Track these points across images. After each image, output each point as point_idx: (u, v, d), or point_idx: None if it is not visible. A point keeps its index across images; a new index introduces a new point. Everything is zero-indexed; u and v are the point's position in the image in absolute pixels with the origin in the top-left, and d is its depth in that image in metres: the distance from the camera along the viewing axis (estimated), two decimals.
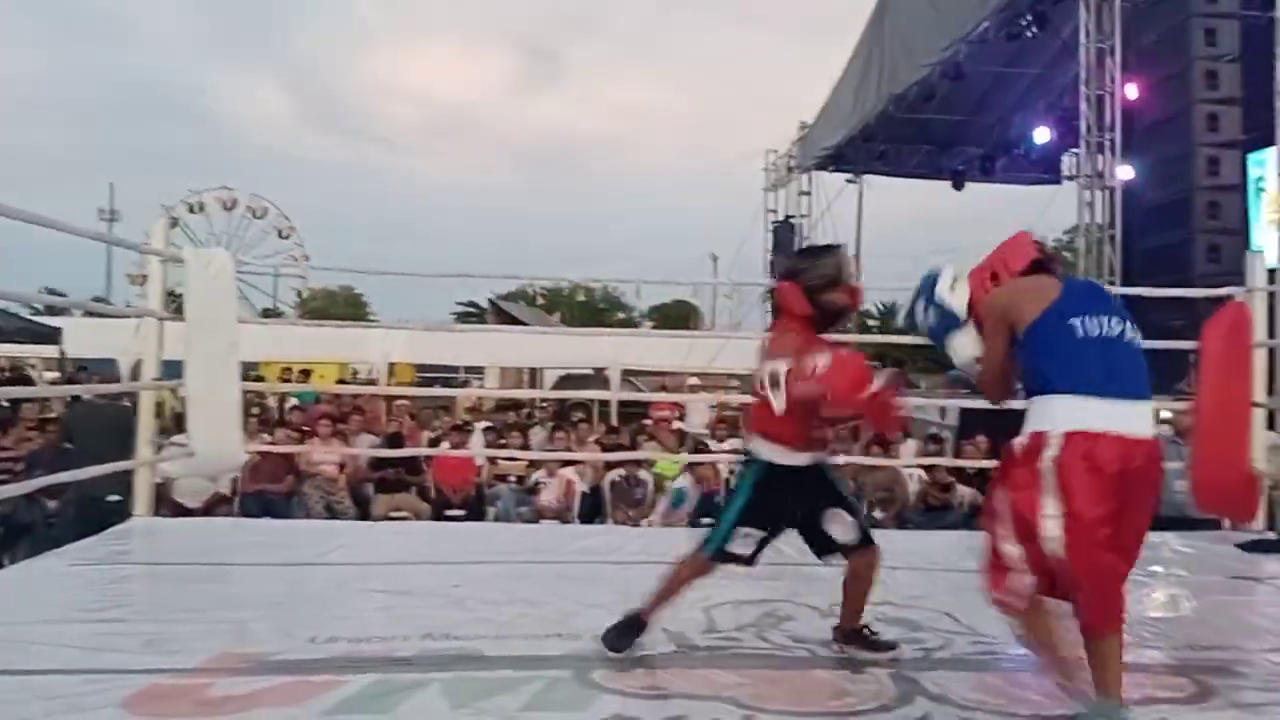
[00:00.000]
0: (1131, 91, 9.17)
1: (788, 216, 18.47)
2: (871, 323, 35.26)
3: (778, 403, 2.62)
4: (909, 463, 7.74)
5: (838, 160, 17.23)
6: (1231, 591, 3.91)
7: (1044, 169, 16.76)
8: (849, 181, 19.07)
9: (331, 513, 7.49)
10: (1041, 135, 15.32)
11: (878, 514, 7.83)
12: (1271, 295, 5.19)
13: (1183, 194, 7.72)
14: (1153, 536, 2.77)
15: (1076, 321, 2.36)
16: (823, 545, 2.91)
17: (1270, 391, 5.28)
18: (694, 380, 15.67)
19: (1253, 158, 9.86)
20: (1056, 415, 2.31)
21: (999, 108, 15.44)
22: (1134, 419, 2.31)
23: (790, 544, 4.58)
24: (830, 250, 2.93)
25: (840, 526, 2.85)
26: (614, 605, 3.35)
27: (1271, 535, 4.96)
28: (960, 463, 7.46)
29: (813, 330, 2.84)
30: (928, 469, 7.83)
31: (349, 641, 2.89)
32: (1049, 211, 16.38)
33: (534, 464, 8.02)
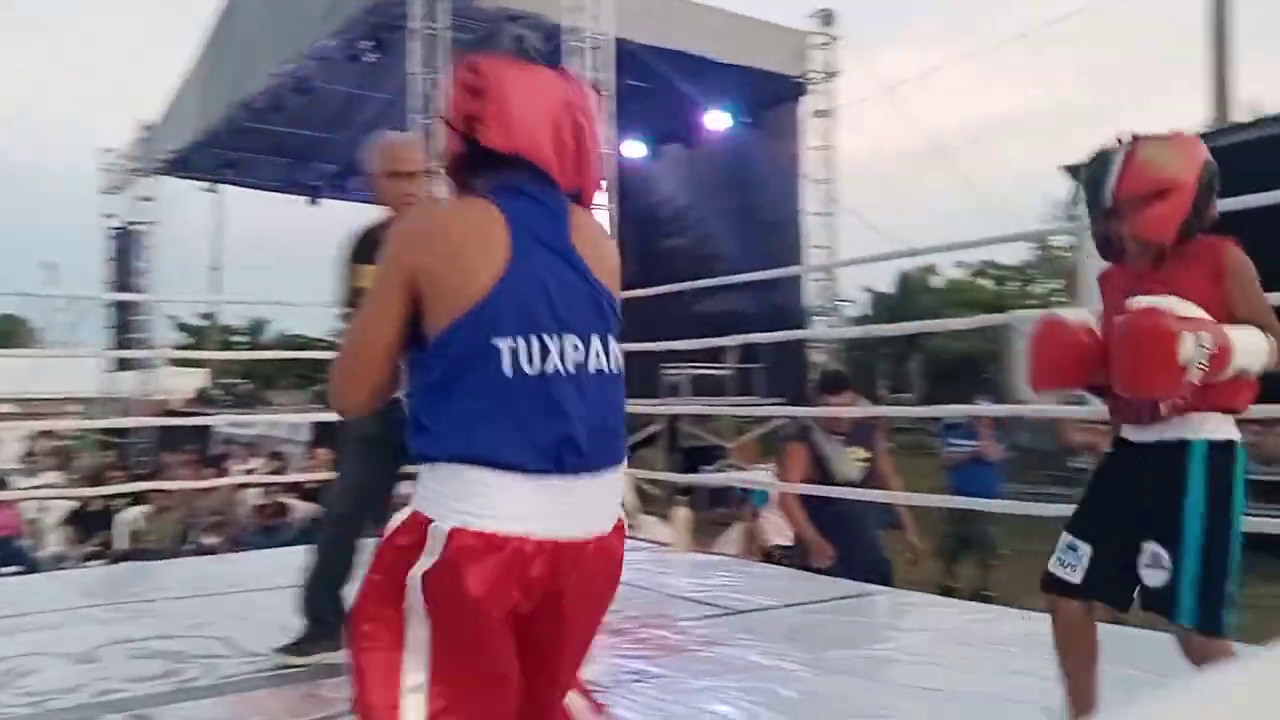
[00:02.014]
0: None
1: (129, 223, 16.87)
2: (237, 339, 33.85)
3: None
4: (237, 481, 7.48)
5: (185, 166, 16.15)
6: None
7: None
8: (207, 190, 18.05)
9: None
10: None
11: (210, 539, 7.46)
12: None
13: None
14: None
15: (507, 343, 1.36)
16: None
17: None
18: (6, 408, 13.58)
19: None
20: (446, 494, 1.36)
21: (352, 127, 15.68)
22: (585, 506, 1.40)
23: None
24: None
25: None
26: None
27: None
28: (291, 478, 7.43)
29: None
30: (265, 487, 7.66)
31: None
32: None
33: None
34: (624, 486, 1.51)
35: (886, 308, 24.79)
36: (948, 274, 28.25)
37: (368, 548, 2.92)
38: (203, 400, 18.00)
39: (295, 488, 7.61)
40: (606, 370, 1.44)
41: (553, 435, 1.35)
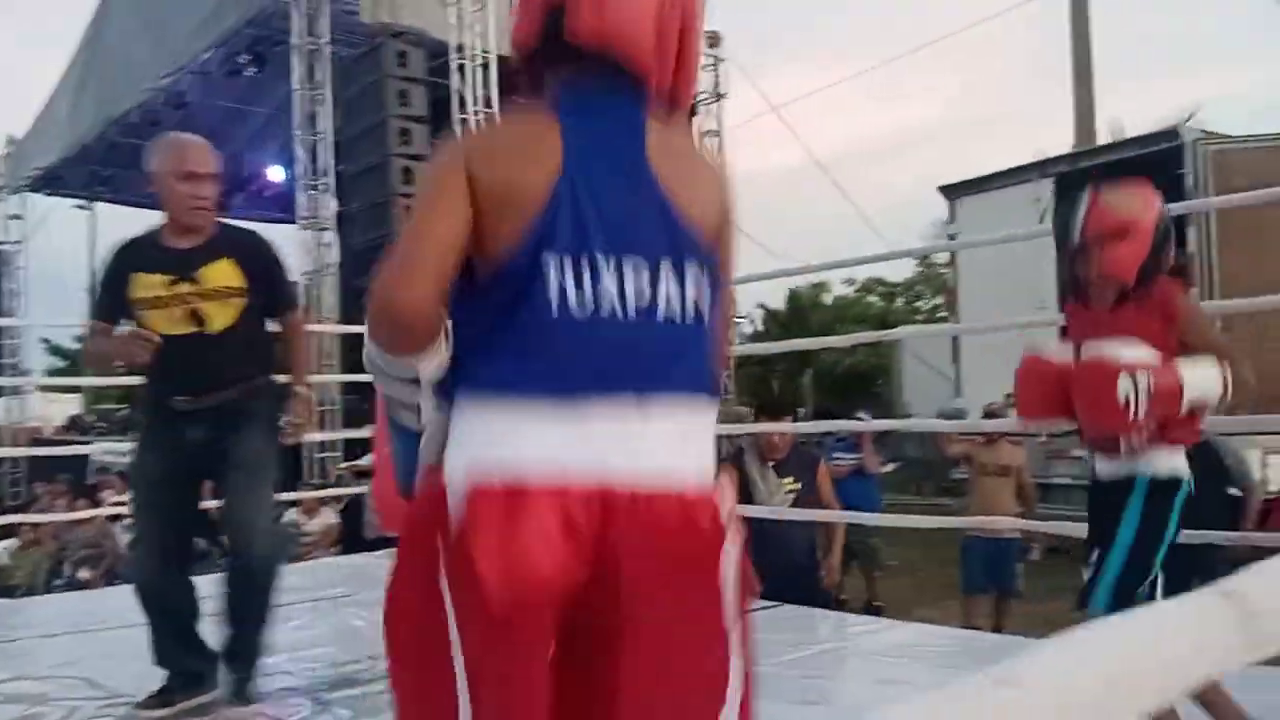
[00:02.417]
0: (340, 138, 9.77)
1: None
2: (114, 362, 32.38)
3: None
4: (110, 511, 7.14)
5: (55, 182, 15.46)
6: None
7: (281, 207, 17.04)
8: (80, 208, 17.28)
9: None
10: (275, 175, 15.55)
11: (84, 574, 7.11)
12: None
13: (386, 238, 8.42)
14: None
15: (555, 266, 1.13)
16: None
17: None
18: None
19: None
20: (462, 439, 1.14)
21: (233, 143, 15.26)
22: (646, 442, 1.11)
23: None
24: None
25: None
26: None
27: None
28: None
29: None
30: None
31: None
32: (288, 249, 16.72)
33: None
34: (712, 434, 1.17)
35: (779, 324, 25.21)
36: (836, 290, 28.95)
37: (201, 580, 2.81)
38: (77, 427, 17.17)
39: None
40: (680, 315, 1.14)
41: (598, 357, 1.10)
